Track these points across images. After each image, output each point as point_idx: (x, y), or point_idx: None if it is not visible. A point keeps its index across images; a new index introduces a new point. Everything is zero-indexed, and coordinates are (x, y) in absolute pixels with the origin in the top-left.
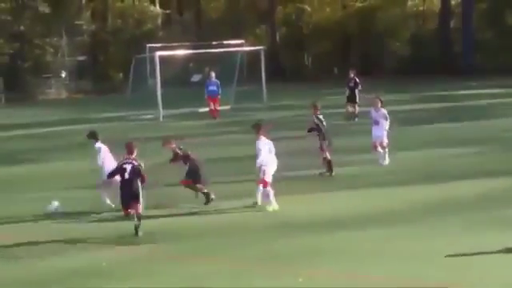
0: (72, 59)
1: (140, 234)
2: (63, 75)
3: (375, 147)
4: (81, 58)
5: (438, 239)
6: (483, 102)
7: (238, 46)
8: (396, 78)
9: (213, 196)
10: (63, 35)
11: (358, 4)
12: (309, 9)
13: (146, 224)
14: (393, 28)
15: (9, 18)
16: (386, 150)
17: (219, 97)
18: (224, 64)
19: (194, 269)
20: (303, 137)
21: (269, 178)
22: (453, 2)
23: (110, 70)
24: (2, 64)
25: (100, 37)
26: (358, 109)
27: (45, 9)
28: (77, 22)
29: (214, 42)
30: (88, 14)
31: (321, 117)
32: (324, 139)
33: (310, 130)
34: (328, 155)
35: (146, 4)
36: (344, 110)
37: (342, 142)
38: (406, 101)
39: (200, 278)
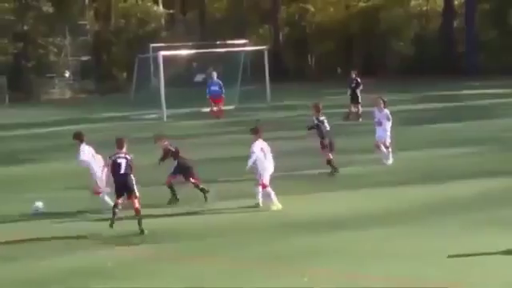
0: (75, 59)
1: (145, 232)
2: (67, 75)
3: (378, 147)
4: (84, 58)
5: (438, 239)
6: (486, 101)
7: (241, 45)
8: (399, 77)
9: (208, 190)
10: (67, 35)
11: (361, 4)
12: (312, 9)
13: (146, 224)
14: (396, 28)
15: (12, 17)
16: (389, 149)
17: (223, 96)
18: (228, 64)
19: (194, 269)
20: (305, 136)
21: (266, 181)
22: (456, 2)
23: (113, 70)
24: (6, 64)
25: (103, 37)
26: (361, 109)
27: (48, 8)
28: (80, 22)
29: (217, 42)
30: (91, 13)
31: (322, 118)
32: (323, 139)
33: (310, 128)
34: (329, 155)
35: (149, 4)
36: (346, 110)
37: (345, 142)
38: (409, 100)
39: (200, 279)
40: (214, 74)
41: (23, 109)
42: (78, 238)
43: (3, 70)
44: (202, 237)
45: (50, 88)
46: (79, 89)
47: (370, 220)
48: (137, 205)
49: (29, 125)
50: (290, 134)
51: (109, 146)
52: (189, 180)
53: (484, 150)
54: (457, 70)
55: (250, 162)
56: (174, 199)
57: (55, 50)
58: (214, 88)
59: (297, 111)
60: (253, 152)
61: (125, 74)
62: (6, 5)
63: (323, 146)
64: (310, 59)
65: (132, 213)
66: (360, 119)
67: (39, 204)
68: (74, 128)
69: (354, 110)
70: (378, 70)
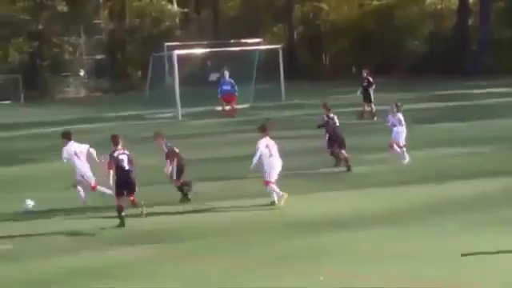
0: (90, 58)
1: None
2: (82, 74)
3: (391, 147)
4: (99, 57)
5: (439, 239)
6: (492, 101)
7: (255, 44)
8: (413, 76)
9: (190, 197)
10: (81, 34)
11: (375, 2)
12: (326, 7)
13: (148, 223)
14: (410, 26)
15: (27, 17)
16: (404, 149)
17: (236, 95)
18: (242, 63)
19: (195, 269)
20: (316, 135)
21: (270, 178)
22: (471, 1)
23: (128, 69)
24: (22, 62)
25: (118, 35)
26: (374, 108)
27: (63, 8)
28: (95, 21)
29: (231, 41)
30: (106, 12)
31: (331, 115)
32: (333, 135)
33: (319, 126)
34: (343, 152)
35: (163, 3)
36: (360, 109)
37: (356, 140)
38: (418, 100)
39: (201, 278)
40: (226, 74)
41: (38, 107)
42: (79, 238)
43: (19, 68)
44: (204, 236)
45: (65, 87)
46: (94, 87)
47: (371, 220)
48: (136, 200)
49: (42, 123)
50: (303, 132)
51: (124, 144)
52: (178, 180)
53: (486, 150)
54: (471, 68)
55: (255, 159)
56: (185, 198)
57: (70, 48)
58: (226, 87)
59: (311, 110)
60: (257, 148)
61: (139, 73)
62: (21, 4)
63: (332, 143)
64: (324, 58)
65: (133, 212)
66: (375, 118)
67: (30, 202)
68: (89, 127)
69: (367, 109)
70: (392, 69)
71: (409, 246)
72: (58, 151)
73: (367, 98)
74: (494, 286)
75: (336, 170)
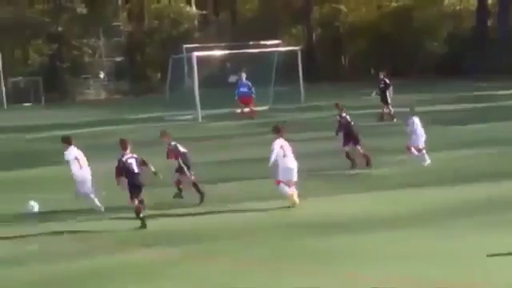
0: (110, 60)
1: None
2: (101, 76)
3: (409, 149)
4: (118, 59)
5: (454, 240)
6: None
7: (274, 46)
8: (432, 77)
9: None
10: (100, 36)
11: (394, 4)
12: (345, 9)
13: (163, 225)
14: (429, 27)
15: (47, 19)
16: (423, 151)
17: (253, 97)
18: (261, 64)
19: (207, 270)
20: (333, 138)
21: (282, 177)
22: (489, 1)
23: (147, 71)
24: (42, 64)
25: (137, 37)
26: (392, 109)
27: (82, 10)
28: (114, 23)
29: (250, 43)
30: (124, 14)
31: (343, 115)
32: (347, 134)
33: (337, 132)
34: (357, 147)
35: (182, 5)
36: (379, 111)
37: (374, 142)
38: (442, 101)
39: (215, 279)
40: (243, 75)
41: (59, 109)
42: (90, 239)
43: (39, 71)
44: (217, 238)
45: (85, 89)
46: (114, 89)
47: (381, 222)
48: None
49: (64, 125)
50: (322, 134)
51: (144, 146)
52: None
53: (507, 151)
54: (490, 69)
55: (272, 159)
56: (179, 192)
57: (89, 51)
58: (243, 89)
59: (331, 111)
60: (273, 149)
61: (159, 75)
62: (40, 6)
63: (347, 141)
64: (343, 59)
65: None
66: (395, 119)
67: (33, 204)
68: (107, 129)
69: (386, 110)
70: (411, 70)
71: (419, 247)
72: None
73: (384, 100)
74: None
75: (352, 172)
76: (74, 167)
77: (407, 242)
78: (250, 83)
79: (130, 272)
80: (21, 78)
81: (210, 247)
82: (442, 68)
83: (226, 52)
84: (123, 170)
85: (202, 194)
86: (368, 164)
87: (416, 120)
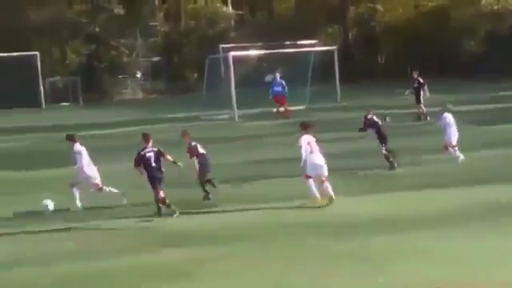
0: (146, 60)
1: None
2: (138, 75)
3: (446, 148)
4: (155, 59)
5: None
6: None
7: (310, 45)
8: (470, 77)
9: (210, 196)
10: (137, 36)
11: (431, 3)
12: (381, 9)
13: (201, 224)
14: (467, 27)
15: (84, 19)
16: (456, 148)
17: (286, 96)
18: (298, 64)
19: (237, 269)
20: (365, 136)
21: (310, 172)
22: None
23: (184, 71)
24: (79, 64)
25: (173, 37)
26: (424, 109)
27: (119, 10)
28: (150, 23)
29: (286, 42)
30: (161, 15)
31: (369, 116)
32: (378, 134)
33: (361, 129)
34: (382, 148)
35: (218, 4)
36: (415, 111)
37: (411, 142)
38: (479, 100)
39: (241, 279)
40: (278, 75)
41: (97, 109)
42: (119, 239)
43: (77, 71)
44: (253, 237)
45: (123, 88)
46: (150, 89)
47: (423, 221)
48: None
49: (102, 125)
50: (359, 133)
51: (180, 146)
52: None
53: None
54: None
55: (303, 156)
56: (207, 195)
57: (127, 51)
58: (277, 88)
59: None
60: (300, 146)
61: (195, 75)
62: (78, 7)
63: (381, 140)
64: (379, 59)
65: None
66: (428, 118)
67: (48, 202)
68: (145, 128)
69: (420, 110)
70: (449, 70)
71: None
72: (118, 152)
73: (418, 99)
74: None
75: (390, 171)
76: (83, 163)
77: (431, 241)
78: (283, 82)
79: (161, 271)
80: (59, 77)
81: (239, 247)
82: (479, 67)
83: (262, 52)
84: (142, 162)
85: (207, 192)
86: (391, 167)
87: (449, 116)
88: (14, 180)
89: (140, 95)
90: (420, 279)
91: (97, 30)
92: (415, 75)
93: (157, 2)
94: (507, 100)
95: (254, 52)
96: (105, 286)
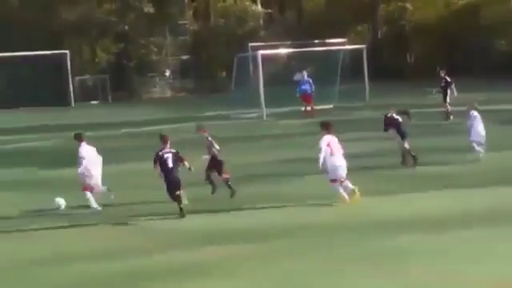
0: (175, 58)
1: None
2: (167, 74)
3: (473, 146)
4: (184, 57)
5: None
6: None
7: (339, 44)
8: (500, 76)
9: (235, 189)
10: (167, 35)
11: (461, 2)
12: (411, 7)
13: (235, 223)
14: (497, 26)
15: (114, 18)
16: (480, 146)
17: (313, 94)
18: (326, 62)
19: (283, 268)
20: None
21: (334, 176)
22: None
23: (212, 69)
24: (109, 63)
25: (202, 36)
26: (449, 108)
27: (149, 9)
28: (180, 22)
29: (315, 41)
30: (190, 13)
31: (389, 115)
32: (398, 131)
33: (385, 129)
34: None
35: (247, 3)
36: (443, 110)
37: (438, 141)
38: (505, 100)
39: (292, 278)
40: (305, 73)
41: (126, 107)
42: (149, 238)
43: (106, 69)
44: (292, 235)
45: (152, 87)
46: (179, 88)
47: (474, 220)
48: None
49: (131, 123)
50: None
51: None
52: (220, 175)
53: None
54: None
55: (321, 159)
56: (214, 190)
57: (155, 49)
58: (305, 87)
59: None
60: (320, 148)
61: (224, 73)
62: (108, 6)
63: (402, 137)
64: (408, 57)
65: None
66: (451, 117)
67: (60, 201)
68: (173, 127)
69: (446, 108)
70: (478, 69)
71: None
72: (147, 151)
73: (444, 98)
74: None
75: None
76: (88, 163)
77: (476, 242)
78: (310, 81)
79: (201, 269)
80: (88, 76)
81: (271, 245)
82: (510, 66)
83: (291, 50)
84: (159, 162)
85: (214, 187)
86: (404, 162)
87: (475, 113)
88: (40, 178)
89: (168, 94)
90: (457, 278)
91: (126, 28)
92: (442, 74)
93: (186, 1)
94: None
95: (282, 50)
96: (116, 286)
